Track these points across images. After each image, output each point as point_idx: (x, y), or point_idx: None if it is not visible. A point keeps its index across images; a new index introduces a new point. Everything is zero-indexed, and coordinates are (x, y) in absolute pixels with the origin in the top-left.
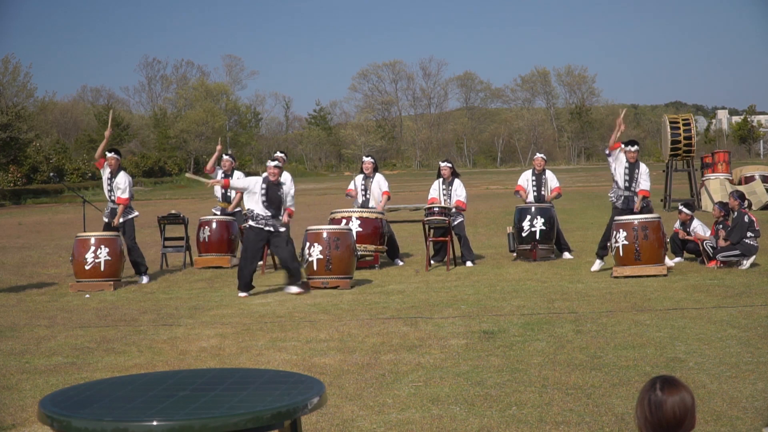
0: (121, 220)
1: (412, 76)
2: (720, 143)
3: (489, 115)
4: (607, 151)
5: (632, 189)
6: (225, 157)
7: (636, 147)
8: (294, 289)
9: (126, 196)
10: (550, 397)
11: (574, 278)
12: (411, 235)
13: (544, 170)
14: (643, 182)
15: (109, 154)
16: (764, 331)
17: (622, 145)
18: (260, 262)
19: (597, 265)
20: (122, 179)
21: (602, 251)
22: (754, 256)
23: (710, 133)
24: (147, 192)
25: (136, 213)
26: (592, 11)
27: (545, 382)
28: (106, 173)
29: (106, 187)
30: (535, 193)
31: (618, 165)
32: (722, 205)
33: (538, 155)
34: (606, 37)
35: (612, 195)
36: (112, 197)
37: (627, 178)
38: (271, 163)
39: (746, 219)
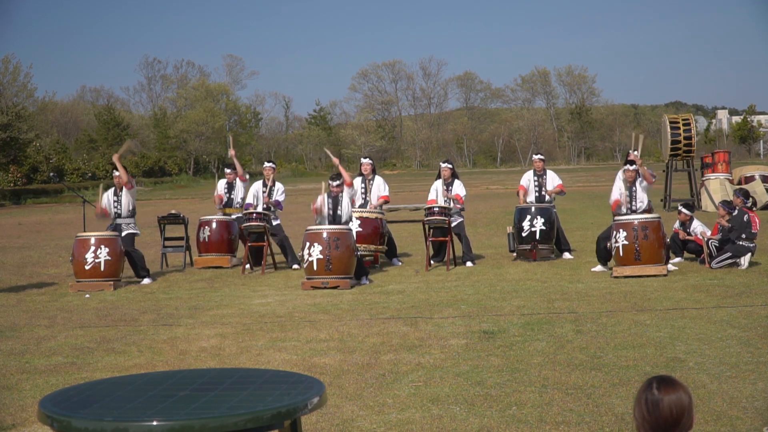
0: (124, 213)
1: (412, 76)
2: (720, 143)
3: (489, 115)
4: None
5: (635, 210)
6: (227, 170)
7: (634, 167)
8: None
9: (131, 183)
10: (550, 397)
11: (574, 278)
12: (411, 235)
13: (544, 170)
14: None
15: (116, 173)
16: (764, 331)
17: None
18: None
19: (599, 267)
20: (126, 194)
21: (603, 258)
22: (749, 254)
23: (710, 133)
24: (147, 192)
25: (138, 232)
26: (592, 11)
27: (545, 382)
28: (109, 193)
29: (111, 204)
30: (537, 193)
31: (619, 191)
32: (726, 204)
33: (536, 157)
34: (606, 37)
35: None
36: (117, 212)
37: (629, 199)
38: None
39: (745, 219)
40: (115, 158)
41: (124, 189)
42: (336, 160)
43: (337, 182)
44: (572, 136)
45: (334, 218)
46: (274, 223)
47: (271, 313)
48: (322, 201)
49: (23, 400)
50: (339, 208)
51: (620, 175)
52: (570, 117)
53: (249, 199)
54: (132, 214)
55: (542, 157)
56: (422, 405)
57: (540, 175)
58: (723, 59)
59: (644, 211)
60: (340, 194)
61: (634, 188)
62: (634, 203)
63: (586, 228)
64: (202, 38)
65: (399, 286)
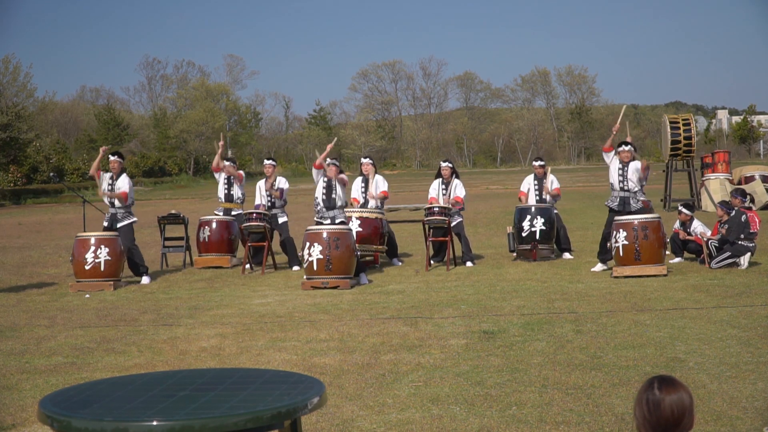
0: (119, 208)
1: (412, 76)
2: (720, 143)
3: (489, 115)
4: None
5: (627, 189)
6: (227, 162)
7: (629, 147)
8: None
9: (125, 189)
10: (550, 397)
11: (574, 278)
12: (411, 235)
13: (545, 174)
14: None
15: (111, 157)
16: (764, 331)
17: (615, 149)
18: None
19: (599, 267)
20: (123, 181)
21: (604, 255)
22: (749, 254)
23: (710, 133)
24: (147, 192)
25: (135, 219)
26: (592, 11)
27: (545, 382)
28: (106, 177)
29: (106, 190)
30: (538, 197)
31: (612, 166)
32: (725, 204)
33: (537, 163)
34: (606, 38)
35: (608, 201)
36: (113, 201)
37: (621, 178)
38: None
39: (743, 219)
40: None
41: (122, 176)
42: (323, 155)
43: (332, 161)
44: (572, 136)
45: (329, 202)
46: (281, 221)
47: (271, 313)
48: (322, 158)
49: (23, 400)
50: (333, 192)
51: (614, 158)
52: (570, 117)
53: (257, 200)
54: (128, 206)
55: (543, 163)
56: (422, 405)
57: (540, 179)
58: (723, 59)
59: (644, 211)
60: (333, 179)
61: (626, 169)
62: (625, 183)
63: (586, 228)
64: (202, 38)
65: (399, 286)
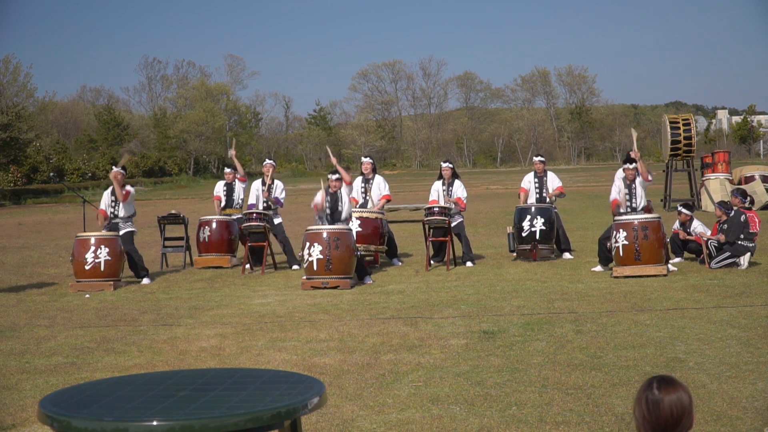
0: (122, 215)
1: (412, 76)
2: (720, 143)
3: (489, 115)
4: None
5: (635, 207)
6: (227, 170)
7: (634, 165)
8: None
9: (130, 211)
10: (550, 397)
11: (574, 278)
12: (411, 235)
13: (545, 172)
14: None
15: (114, 169)
16: (764, 331)
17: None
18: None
19: (599, 267)
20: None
21: (605, 258)
22: (749, 254)
23: (710, 133)
24: (147, 192)
25: (135, 229)
26: (592, 11)
27: (545, 382)
28: (108, 195)
29: (108, 202)
30: (538, 195)
31: (619, 184)
32: (723, 205)
33: (536, 159)
34: (606, 38)
35: (615, 218)
36: (115, 212)
37: (628, 197)
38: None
39: (742, 219)
40: (112, 177)
41: (126, 186)
42: (334, 160)
43: (336, 176)
44: (572, 136)
45: (333, 216)
46: (276, 222)
47: (271, 313)
48: (322, 197)
49: (23, 400)
50: (339, 204)
51: (619, 174)
52: (570, 117)
53: (251, 200)
54: (130, 216)
55: (543, 159)
56: (422, 405)
57: (540, 177)
58: (723, 59)
59: (644, 210)
60: (339, 191)
61: (633, 186)
62: (633, 201)
63: (586, 228)
64: (202, 38)
65: (399, 286)
